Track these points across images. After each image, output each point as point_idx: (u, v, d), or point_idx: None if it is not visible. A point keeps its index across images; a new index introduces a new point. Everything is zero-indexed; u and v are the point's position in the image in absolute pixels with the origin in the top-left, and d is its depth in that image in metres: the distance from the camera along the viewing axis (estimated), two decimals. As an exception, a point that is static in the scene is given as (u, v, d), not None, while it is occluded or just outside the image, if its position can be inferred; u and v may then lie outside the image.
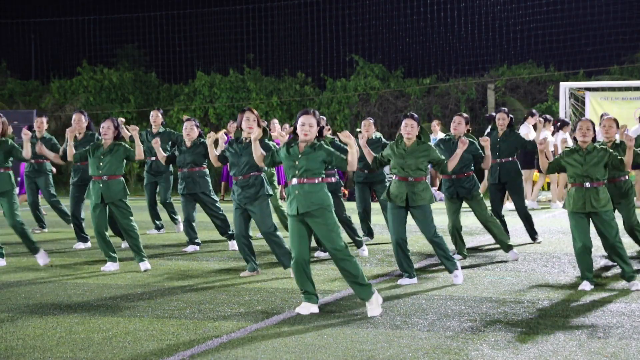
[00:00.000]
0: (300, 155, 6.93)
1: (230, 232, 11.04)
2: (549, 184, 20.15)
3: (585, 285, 8.09)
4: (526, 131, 16.91)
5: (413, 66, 26.49)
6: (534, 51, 25.69)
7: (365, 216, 11.79)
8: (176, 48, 28.15)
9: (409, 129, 8.42)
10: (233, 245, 11.05)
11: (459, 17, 25.90)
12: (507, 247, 10.16)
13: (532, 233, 11.75)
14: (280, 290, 8.04)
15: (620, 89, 21.52)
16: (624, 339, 6.03)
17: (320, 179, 6.93)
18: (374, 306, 6.84)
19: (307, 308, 6.98)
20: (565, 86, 21.24)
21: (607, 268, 9.30)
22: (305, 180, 6.88)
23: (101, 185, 9.28)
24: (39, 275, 8.96)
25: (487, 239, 11.96)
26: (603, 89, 21.58)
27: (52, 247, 11.46)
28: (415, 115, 8.54)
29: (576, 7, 24.55)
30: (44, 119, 12.94)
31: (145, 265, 9.41)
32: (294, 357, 5.55)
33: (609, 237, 8.04)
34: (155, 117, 12.56)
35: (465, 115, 10.26)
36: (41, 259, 9.74)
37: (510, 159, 11.40)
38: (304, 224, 6.92)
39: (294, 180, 6.91)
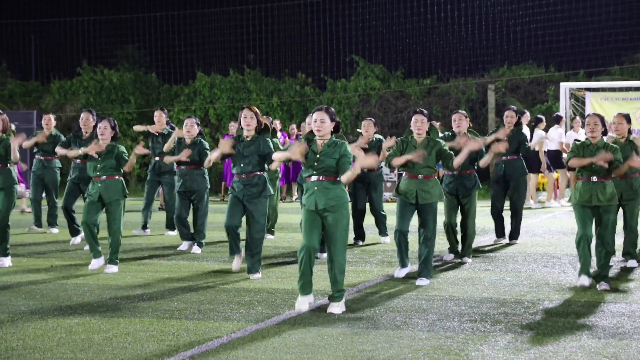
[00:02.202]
0: (319, 155, 7.02)
1: (201, 241, 11.03)
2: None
3: (584, 280, 8.14)
4: (541, 137, 17.07)
5: (413, 67, 26.50)
6: (534, 52, 25.70)
7: (358, 217, 11.70)
8: (176, 49, 28.16)
9: (419, 124, 8.44)
10: (185, 246, 11.06)
11: (459, 18, 25.90)
12: (468, 254, 10.04)
13: (514, 233, 11.68)
14: (281, 290, 8.04)
15: (620, 89, 21.52)
16: (624, 340, 6.03)
17: (337, 178, 7.03)
18: (336, 306, 7.01)
19: (304, 303, 7.05)
20: (565, 86, 21.25)
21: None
22: (323, 178, 7.00)
23: (100, 185, 9.27)
24: (39, 276, 8.96)
25: (487, 240, 11.97)
26: (603, 90, 21.58)
27: (52, 248, 11.46)
28: (425, 111, 8.53)
29: (576, 7, 24.55)
30: (52, 116, 13.13)
31: (113, 268, 9.29)
32: (294, 357, 5.55)
33: (604, 234, 8.08)
34: (159, 117, 12.64)
35: (462, 111, 10.19)
36: (3, 263, 9.64)
37: (515, 156, 11.44)
38: (320, 216, 7.03)
39: (314, 177, 7.04)
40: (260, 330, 6.34)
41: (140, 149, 9.46)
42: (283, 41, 27.94)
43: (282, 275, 9.00)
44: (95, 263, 9.40)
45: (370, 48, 26.88)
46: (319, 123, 7.04)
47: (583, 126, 17.90)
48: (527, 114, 17.89)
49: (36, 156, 13.18)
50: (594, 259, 8.42)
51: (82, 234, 11.56)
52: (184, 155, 10.58)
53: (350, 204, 7.28)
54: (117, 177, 9.34)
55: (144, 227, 13.14)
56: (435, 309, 7.10)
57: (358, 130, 11.73)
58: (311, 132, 7.20)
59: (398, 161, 8.45)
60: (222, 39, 28.06)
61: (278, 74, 27.65)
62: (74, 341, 5.98)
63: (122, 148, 9.42)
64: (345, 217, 7.01)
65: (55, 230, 13.32)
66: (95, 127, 11.40)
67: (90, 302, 7.45)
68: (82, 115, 11.56)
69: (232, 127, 19.81)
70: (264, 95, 26.19)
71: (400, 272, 8.73)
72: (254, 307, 7.23)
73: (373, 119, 11.67)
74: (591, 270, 8.27)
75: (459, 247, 10.17)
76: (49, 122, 12.92)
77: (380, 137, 11.54)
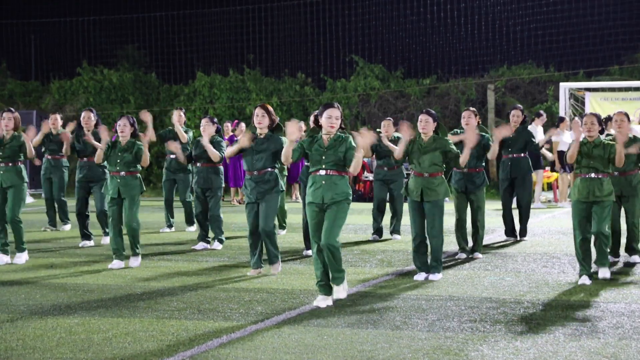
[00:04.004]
0: (326, 149, 7.24)
1: (220, 237, 11.18)
2: (549, 185, 20.16)
3: (585, 280, 8.31)
4: (557, 138, 17.05)
5: (413, 67, 26.50)
6: (534, 51, 25.69)
7: (378, 214, 12.09)
8: (176, 49, 28.14)
9: (423, 124, 8.64)
10: (200, 246, 11.19)
11: (459, 18, 25.89)
12: (479, 249, 10.29)
13: (523, 231, 11.92)
14: (280, 290, 8.04)
15: (620, 89, 21.52)
16: (624, 340, 6.03)
17: (344, 172, 7.28)
18: (340, 290, 7.25)
19: (325, 300, 7.26)
20: (565, 86, 21.24)
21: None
22: (331, 172, 7.23)
23: (119, 180, 9.57)
24: (39, 276, 8.96)
25: (487, 239, 11.97)
26: (603, 90, 21.59)
27: (51, 246, 11.46)
28: (432, 111, 8.75)
29: (576, 7, 24.55)
30: (58, 116, 13.49)
31: (136, 261, 9.68)
32: (294, 357, 5.54)
33: (600, 223, 8.25)
34: (179, 117, 12.87)
35: (472, 108, 10.51)
36: (20, 259, 9.91)
37: (522, 154, 11.69)
38: (323, 211, 7.25)
39: (322, 172, 7.25)
40: (260, 330, 6.34)
41: (146, 137, 9.85)
42: (283, 41, 27.94)
43: (282, 275, 9.00)
44: (117, 264, 9.61)
45: (370, 48, 26.88)
46: (334, 120, 7.26)
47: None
48: (544, 115, 17.84)
49: (45, 156, 13.43)
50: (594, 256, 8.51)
51: (92, 241, 11.72)
52: (176, 147, 10.74)
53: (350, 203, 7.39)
54: (135, 173, 9.65)
55: (169, 226, 13.55)
56: (435, 309, 7.10)
57: (378, 130, 12.10)
58: (315, 127, 7.35)
59: (400, 152, 8.65)
60: (222, 39, 28.05)
61: (278, 74, 27.65)
62: (74, 341, 5.98)
63: (141, 145, 9.67)
64: (346, 209, 7.24)
65: (67, 227, 13.60)
66: (96, 125, 11.64)
67: (90, 302, 7.45)
68: (82, 114, 11.79)
69: (227, 127, 19.76)
70: (263, 95, 26.17)
71: (420, 276, 8.72)
72: (254, 307, 7.23)
73: (392, 119, 12.19)
74: (592, 266, 8.46)
75: (468, 247, 10.34)
76: (55, 121, 13.30)
77: (399, 134, 11.82)
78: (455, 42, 26.38)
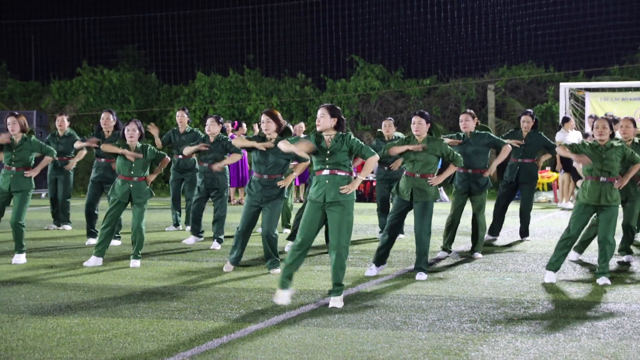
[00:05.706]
0: (329, 151, 7.28)
1: (220, 237, 11.26)
2: (549, 185, 20.15)
3: (551, 277, 8.47)
4: (562, 138, 17.03)
5: (413, 67, 26.52)
6: (534, 52, 25.72)
7: (382, 213, 12.18)
8: (176, 49, 28.16)
9: (416, 126, 8.76)
10: (191, 241, 11.43)
11: (459, 18, 25.91)
12: (479, 249, 10.33)
13: (524, 232, 12.03)
14: (280, 290, 8.03)
15: (620, 89, 21.51)
16: (624, 340, 6.03)
17: (347, 172, 7.29)
18: (337, 300, 7.24)
19: (283, 296, 7.19)
20: (565, 87, 21.24)
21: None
22: (336, 172, 7.25)
23: (131, 185, 9.60)
24: (39, 276, 8.96)
25: (487, 239, 11.96)
26: (603, 90, 21.58)
27: (51, 246, 11.45)
28: (425, 113, 8.85)
29: (576, 7, 24.56)
30: (65, 117, 13.50)
31: (136, 263, 9.68)
32: (294, 357, 5.54)
33: (607, 232, 8.35)
34: (181, 117, 12.92)
35: (470, 110, 10.53)
36: (19, 259, 9.94)
37: (531, 160, 11.80)
38: (322, 212, 7.25)
39: (325, 171, 7.27)
40: (260, 330, 6.34)
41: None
42: (283, 41, 27.95)
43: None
44: (93, 260, 9.65)
45: (370, 48, 26.90)
46: (319, 117, 7.34)
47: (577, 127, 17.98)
48: (572, 119, 17.80)
49: None
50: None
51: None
52: (202, 147, 10.94)
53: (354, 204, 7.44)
54: (145, 178, 9.73)
55: (176, 224, 13.58)
56: (435, 309, 7.10)
57: (379, 130, 12.19)
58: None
59: (396, 150, 8.76)
60: (222, 39, 28.07)
61: (278, 74, 27.66)
62: (74, 341, 5.98)
63: (152, 147, 9.76)
64: (351, 213, 7.24)
65: (68, 227, 13.67)
66: (116, 126, 11.77)
67: (90, 302, 7.45)
68: (102, 115, 11.86)
69: (227, 128, 19.71)
70: (263, 96, 26.18)
71: (372, 271, 8.89)
72: (254, 307, 7.23)
73: (392, 119, 12.26)
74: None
75: (450, 247, 10.35)
76: (62, 122, 13.40)
77: (400, 134, 11.99)
78: (455, 42, 26.41)
